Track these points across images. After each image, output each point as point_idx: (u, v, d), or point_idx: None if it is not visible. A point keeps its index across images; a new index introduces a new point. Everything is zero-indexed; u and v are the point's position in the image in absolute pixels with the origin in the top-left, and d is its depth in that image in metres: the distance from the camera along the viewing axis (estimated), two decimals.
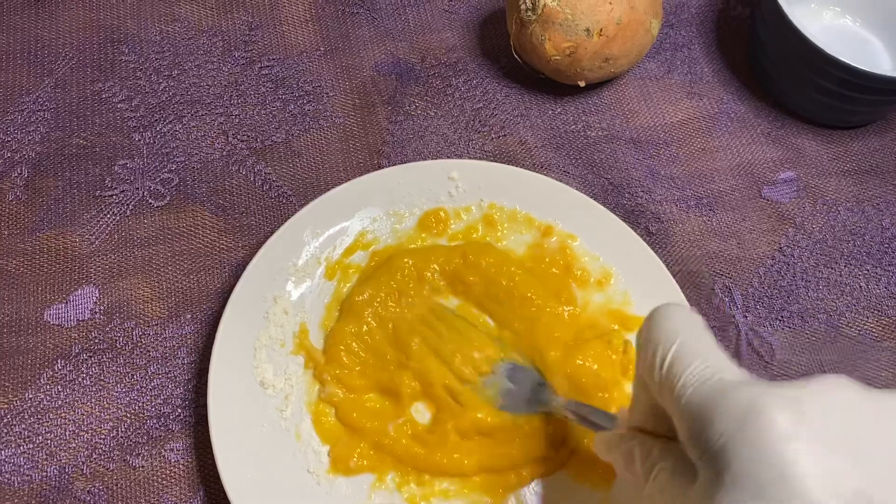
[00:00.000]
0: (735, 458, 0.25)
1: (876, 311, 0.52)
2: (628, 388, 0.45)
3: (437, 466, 0.44)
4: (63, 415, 0.45)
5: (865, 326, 0.51)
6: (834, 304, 0.52)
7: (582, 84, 0.55)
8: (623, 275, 0.49)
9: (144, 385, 0.46)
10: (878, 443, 0.25)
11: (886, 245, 0.54)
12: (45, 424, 0.45)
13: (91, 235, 0.51)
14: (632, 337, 0.46)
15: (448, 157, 0.55)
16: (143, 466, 0.44)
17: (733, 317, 0.51)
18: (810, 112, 0.58)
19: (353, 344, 0.46)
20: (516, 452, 0.44)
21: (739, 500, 0.24)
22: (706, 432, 0.26)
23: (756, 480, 0.24)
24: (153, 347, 0.47)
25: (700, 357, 0.29)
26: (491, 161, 0.53)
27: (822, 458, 0.24)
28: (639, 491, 0.33)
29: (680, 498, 0.29)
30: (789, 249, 0.53)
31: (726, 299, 0.51)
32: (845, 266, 0.53)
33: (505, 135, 0.56)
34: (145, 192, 0.52)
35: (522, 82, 0.59)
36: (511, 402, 0.45)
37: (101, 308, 0.48)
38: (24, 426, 0.45)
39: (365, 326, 0.46)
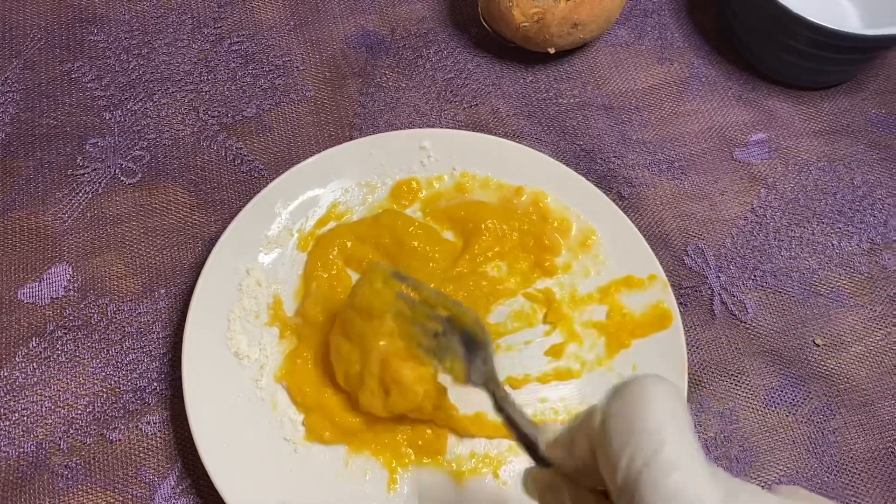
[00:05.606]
0: None
1: (848, 269, 0.52)
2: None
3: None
4: (39, 391, 0.45)
5: (838, 284, 0.51)
6: (807, 262, 0.52)
7: (552, 51, 0.55)
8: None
9: (120, 360, 0.46)
10: None
11: (857, 203, 0.54)
12: (22, 401, 0.45)
13: (63, 214, 0.51)
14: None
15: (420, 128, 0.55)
16: (120, 440, 0.44)
17: (706, 277, 0.51)
18: (781, 74, 0.58)
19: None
20: None
21: None
22: None
23: None
24: (128, 323, 0.47)
25: (680, 470, 0.25)
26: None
27: None
28: None
29: None
30: (762, 210, 0.54)
31: (699, 260, 0.51)
32: (817, 225, 0.53)
33: (477, 104, 0.56)
34: (117, 170, 0.52)
35: (493, 52, 0.58)
36: (476, 373, 0.38)
37: (75, 285, 0.48)
38: None
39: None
